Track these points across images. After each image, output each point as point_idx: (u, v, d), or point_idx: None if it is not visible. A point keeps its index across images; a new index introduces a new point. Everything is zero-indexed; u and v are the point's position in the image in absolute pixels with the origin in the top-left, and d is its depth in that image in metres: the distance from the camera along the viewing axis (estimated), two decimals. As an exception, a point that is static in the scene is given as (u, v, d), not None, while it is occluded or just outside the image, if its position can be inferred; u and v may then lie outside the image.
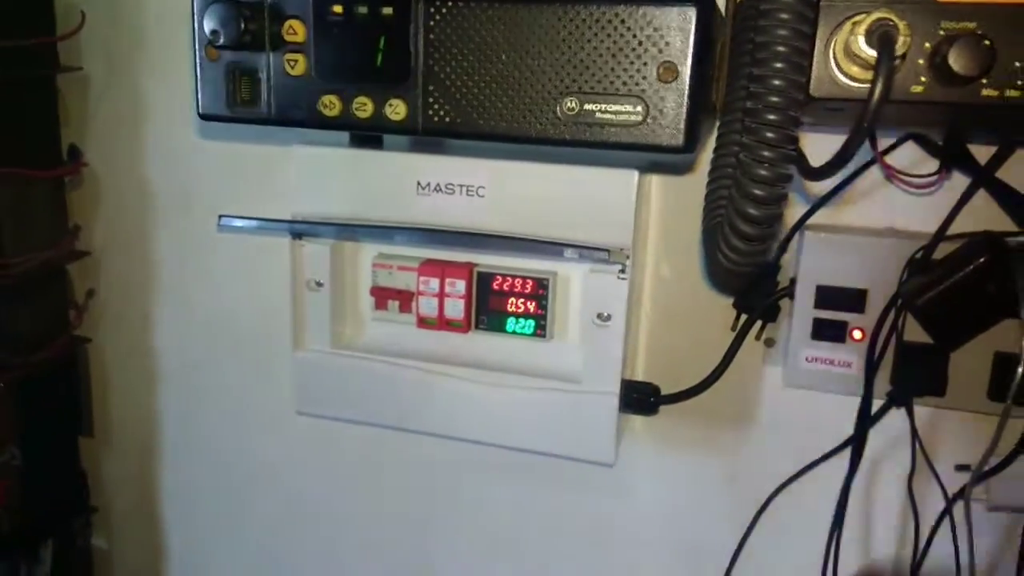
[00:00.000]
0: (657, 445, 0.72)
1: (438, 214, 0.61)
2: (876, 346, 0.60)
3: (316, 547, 0.86)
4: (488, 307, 0.66)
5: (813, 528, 0.64)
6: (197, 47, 0.46)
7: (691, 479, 0.72)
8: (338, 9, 0.43)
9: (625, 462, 0.72)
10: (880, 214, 0.62)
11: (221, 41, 0.44)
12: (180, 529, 0.91)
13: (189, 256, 0.81)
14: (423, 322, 0.67)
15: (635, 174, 0.57)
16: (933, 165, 0.59)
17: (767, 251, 0.40)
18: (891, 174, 0.60)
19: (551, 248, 0.59)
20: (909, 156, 0.60)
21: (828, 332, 0.62)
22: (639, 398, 0.67)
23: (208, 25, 0.44)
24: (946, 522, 0.60)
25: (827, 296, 0.61)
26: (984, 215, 0.59)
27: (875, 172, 0.61)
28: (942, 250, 0.58)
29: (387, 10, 0.43)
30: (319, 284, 0.67)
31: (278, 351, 0.75)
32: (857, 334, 0.61)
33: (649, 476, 0.73)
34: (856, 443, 0.62)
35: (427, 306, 0.66)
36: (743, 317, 0.65)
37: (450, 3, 0.42)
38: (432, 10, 0.43)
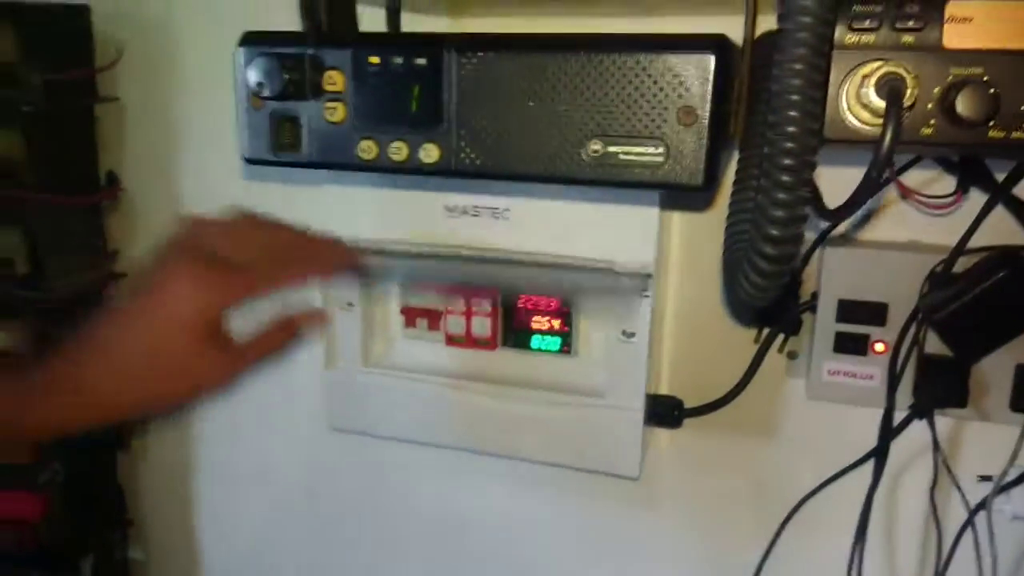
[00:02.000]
0: (682, 458, 0.73)
1: (465, 236, 0.63)
2: (898, 359, 0.61)
3: (349, 560, 0.88)
4: (514, 325, 0.68)
5: (837, 539, 0.64)
6: (242, 97, 0.48)
7: (715, 491, 0.73)
8: (375, 60, 0.46)
9: (650, 475, 0.73)
10: (901, 228, 0.63)
11: (266, 93, 0.46)
12: (215, 540, 0.93)
13: (223, 277, 0.82)
14: (451, 340, 0.69)
15: (655, 210, 0.59)
16: (950, 181, 0.60)
17: (784, 285, 0.41)
18: (907, 195, 0.61)
19: (574, 272, 0.61)
20: (927, 172, 0.61)
21: (850, 345, 0.63)
22: (663, 412, 0.69)
23: (253, 77, 0.46)
24: (968, 532, 0.61)
25: (849, 310, 0.62)
26: (1002, 229, 0.59)
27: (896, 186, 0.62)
28: (961, 264, 0.58)
29: (421, 61, 0.45)
30: (350, 305, 0.68)
31: (310, 369, 0.77)
32: (879, 347, 0.62)
33: (674, 489, 0.74)
34: (879, 455, 0.62)
35: (455, 324, 0.68)
36: (766, 331, 0.66)
37: (480, 53, 0.44)
38: (464, 60, 0.45)
